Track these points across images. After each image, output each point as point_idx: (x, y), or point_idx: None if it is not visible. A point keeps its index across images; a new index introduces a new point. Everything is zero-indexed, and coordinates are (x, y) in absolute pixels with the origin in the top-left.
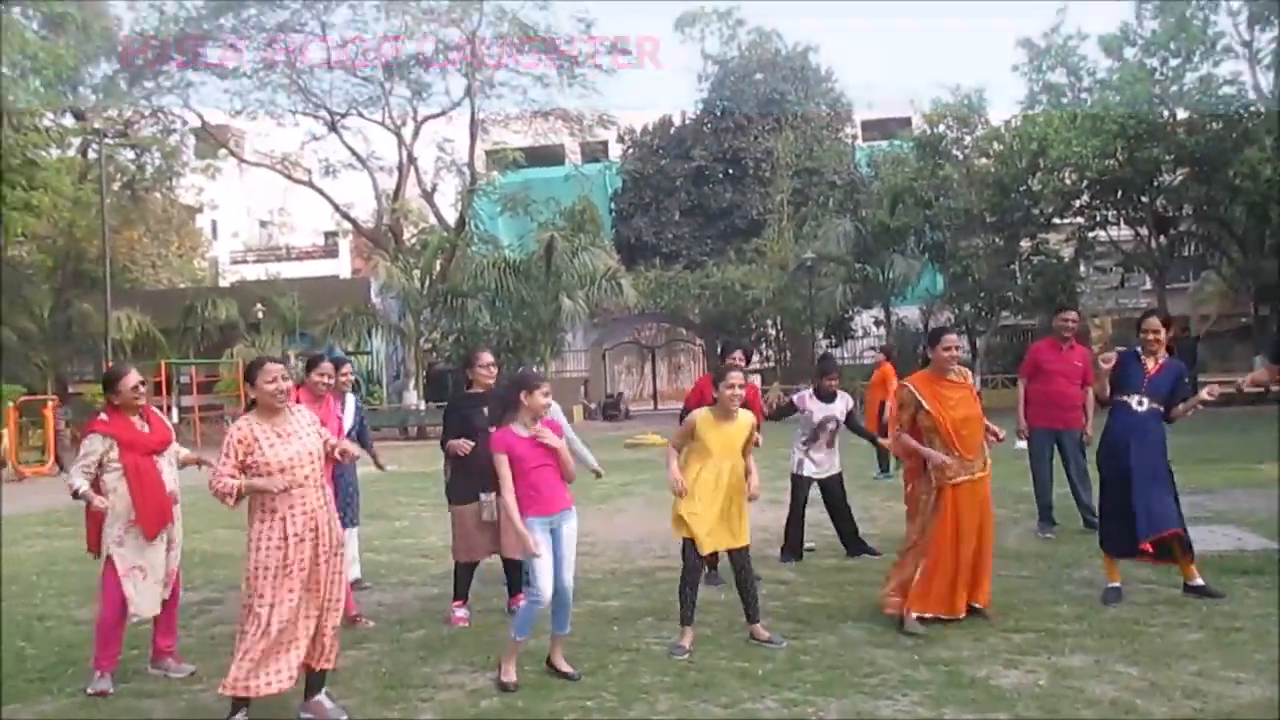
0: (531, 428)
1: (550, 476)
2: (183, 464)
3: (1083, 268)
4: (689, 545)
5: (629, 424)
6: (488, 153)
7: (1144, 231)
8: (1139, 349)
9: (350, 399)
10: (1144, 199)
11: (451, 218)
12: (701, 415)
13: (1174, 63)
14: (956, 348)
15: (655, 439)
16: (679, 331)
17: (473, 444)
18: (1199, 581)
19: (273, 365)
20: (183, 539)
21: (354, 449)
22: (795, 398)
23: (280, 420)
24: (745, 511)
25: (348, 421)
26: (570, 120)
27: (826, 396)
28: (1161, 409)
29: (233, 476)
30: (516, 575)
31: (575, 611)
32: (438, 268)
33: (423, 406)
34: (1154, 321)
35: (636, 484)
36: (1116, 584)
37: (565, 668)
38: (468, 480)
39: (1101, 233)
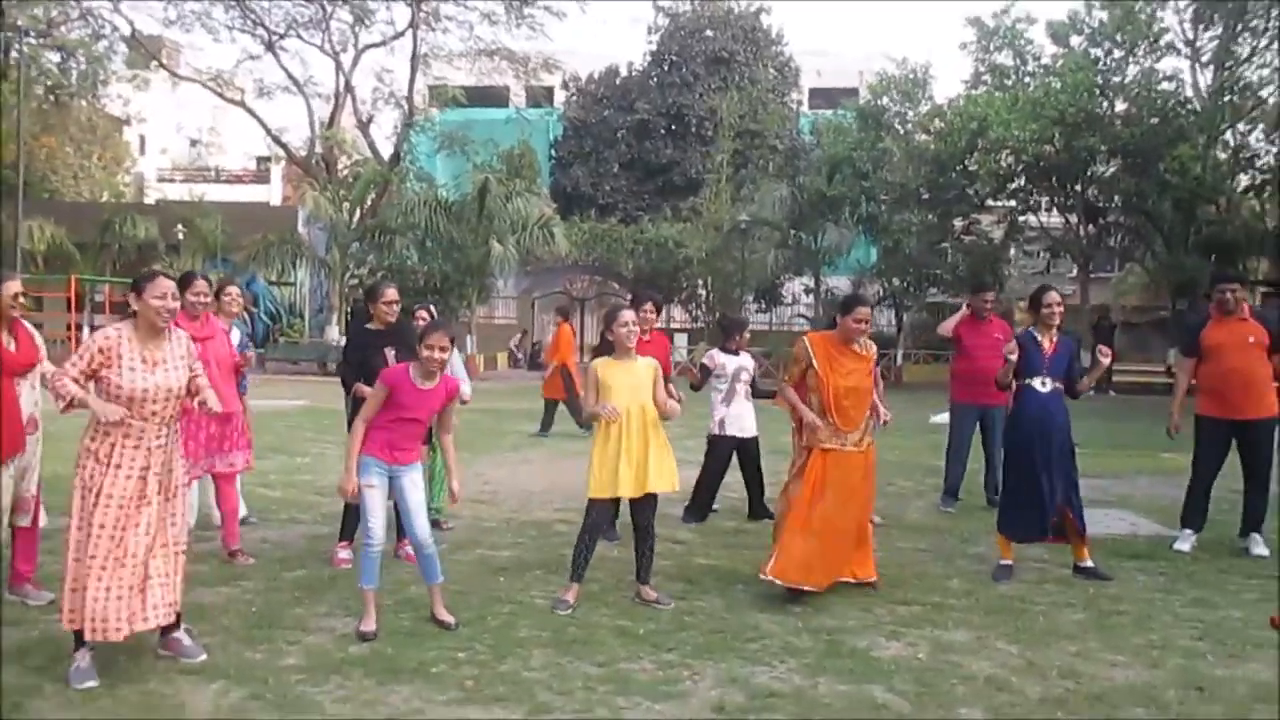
0: (429, 380)
1: (414, 433)
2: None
3: (1011, 251)
4: (596, 503)
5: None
6: (429, 88)
7: (1073, 219)
8: (1034, 329)
9: (236, 331)
10: (1076, 187)
11: (387, 151)
12: (599, 362)
13: (1118, 55)
14: (867, 321)
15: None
16: (610, 285)
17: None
18: (1089, 563)
19: (164, 280)
20: (48, 463)
21: (213, 402)
22: (705, 358)
23: (154, 345)
24: (664, 456)
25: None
26: (516, 62)
27: (732, 351)
28: (1063, 387)
29: (75, 381)
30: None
31: (463, 560)
32: (369, 201)
33: (344, 342)
34: (1054, 295)
35: (550, 436)
36: (1009, 562)
37: (444, 616)
38: None
39: (1032, 217)
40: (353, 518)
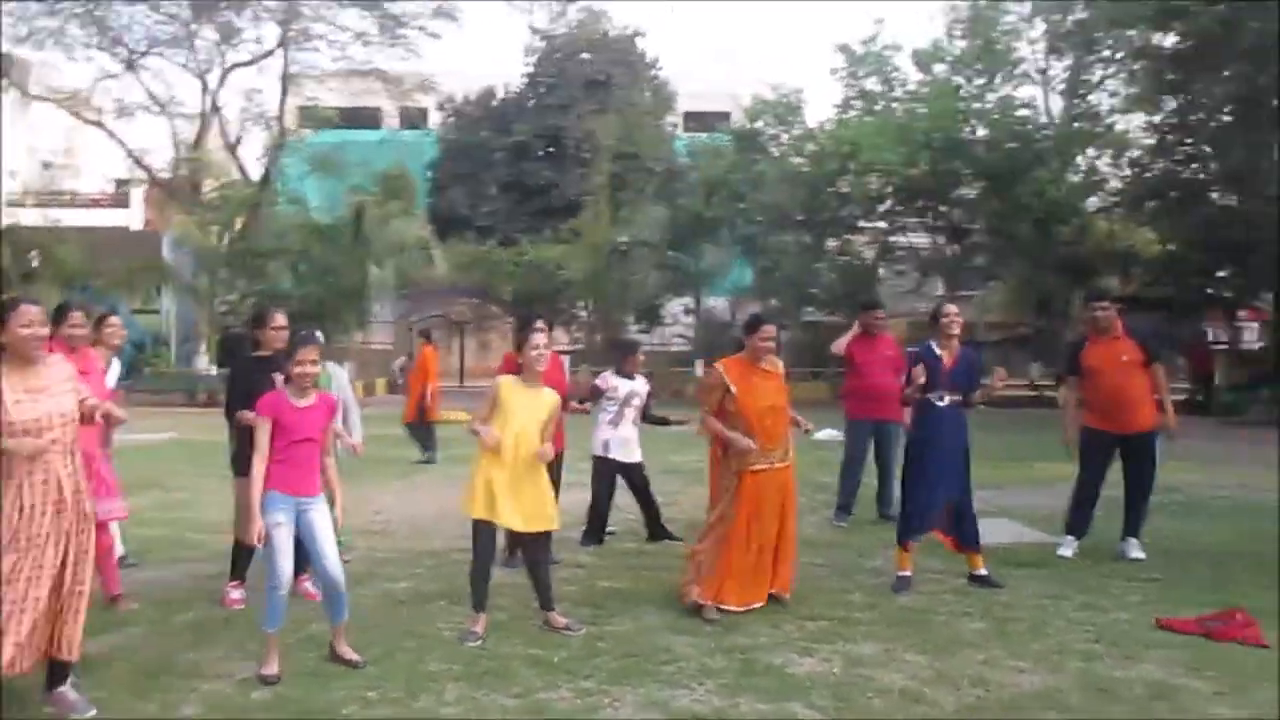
0: (304, 397)
1: (310, 455)
2: None
3: (882, 270)
4: (480, 527)
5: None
6: (299, 109)
7: (940, 239)
8: (932, 342)
9: (115, 363)
10: (943, 209)
11: (256, 173)
12: (505, 380)
13: (978, 82)
14: (773, 338)
15: (462, 415)
16: (489, 309)
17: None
18: (983, 571)
19: (29, 307)
20: None
21: (119, 413)
22: (598, 379)
23: (32, 374)
24: (547, 491)
25: (110, 383)
26: (389, 82)
27: (627, 375)
28: (961, 399)
29: None
30: (302, 553)
31: (362, 594)
32: (238, 225)
33: (214, 371)
34: (952, 307)
35: (437, 462)
36: (907, 573)
37: (349, 655)
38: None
39: (902, 238)
40: (243, 555)
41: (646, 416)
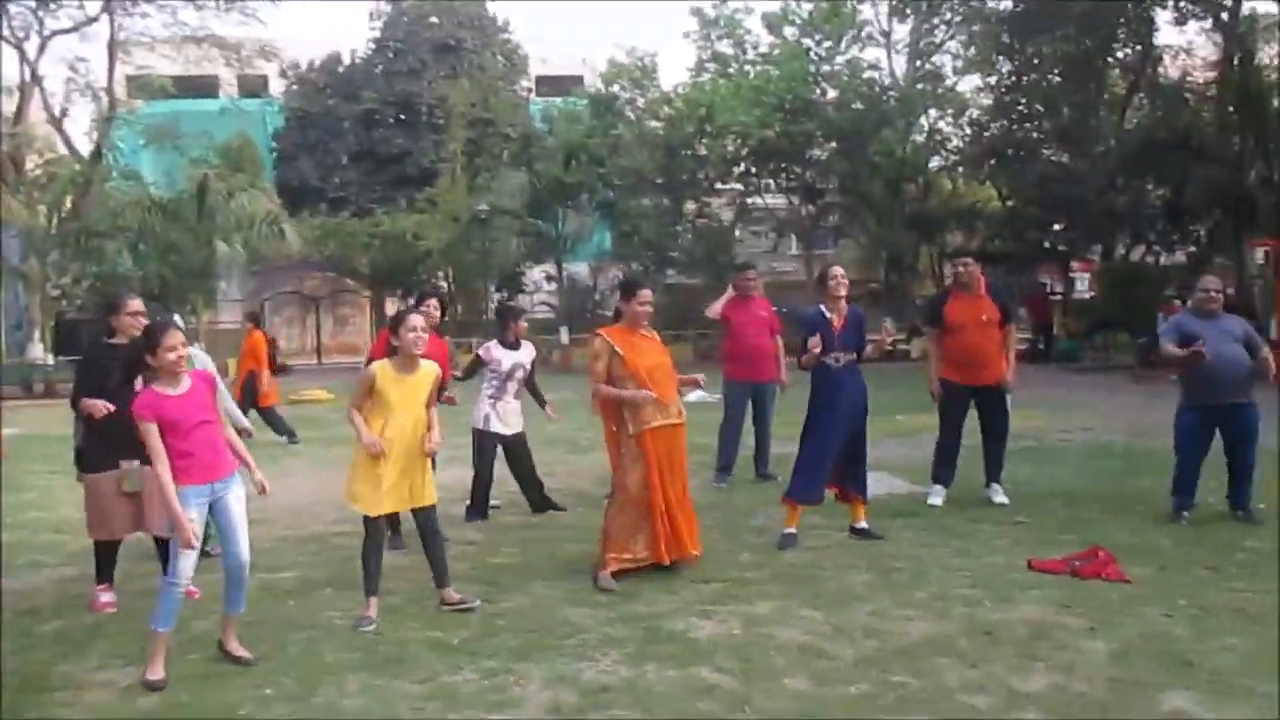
0: (179, 385)
1: (211, 436)
2: None
3: (740, 231)
4: (369, 519)
5: (291, 379)
6: (130, 78)
7: (795, 200)
8: (822, 306)
9: None
10: (797, 169)
11: (86, 148)
12: (380, 367)
13: (826, 45)
14: (650, 302)
15: (321, 394)
16: (345, 282)
17: (113, 406)
18: (864, 525)
19: None
20: None
21: None
22: (481, 351)
23: None
24: (428, 468)
25: None
26: (227, 49)
27: (511, 345)
28: (854, 358)
29: None
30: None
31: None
32: (69, 204)
33: (50, 360)
34: (838, 269)
35: (302, 443)
36: (793, 530)
37: (240, 651)
38: (105, 445)
39: (759, 199)
40: (107, 556)
41: (529, 386)
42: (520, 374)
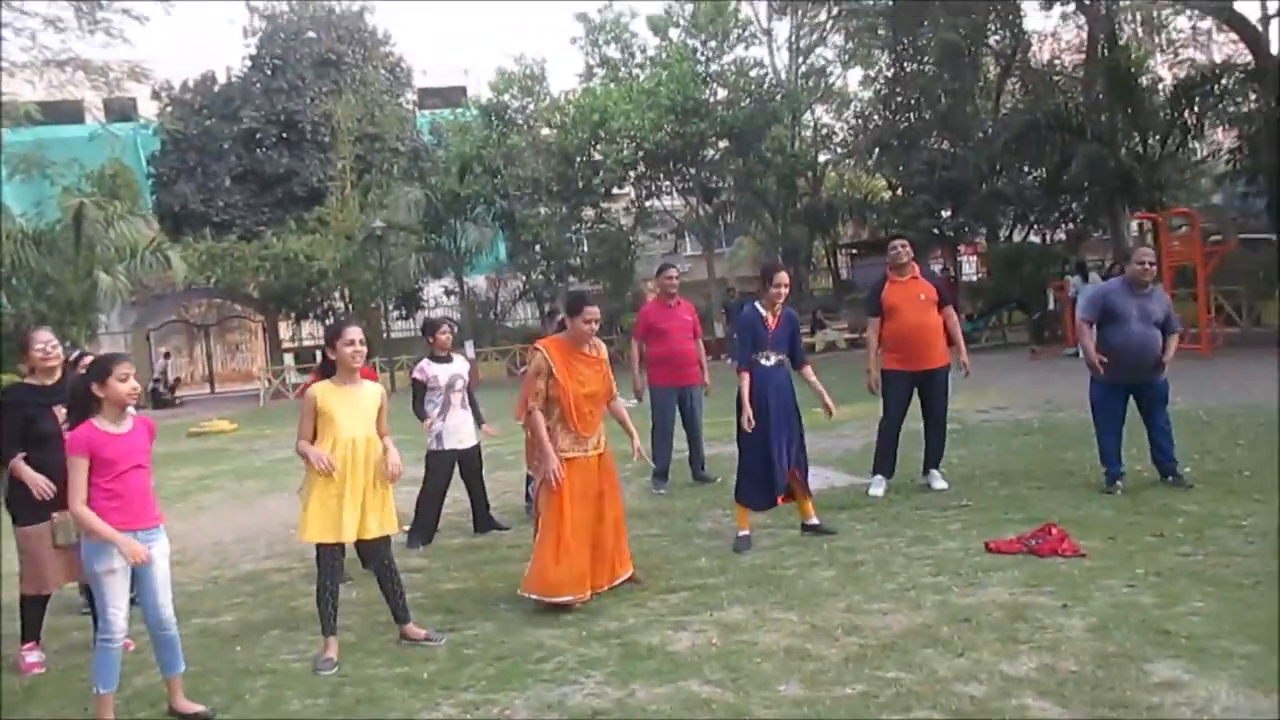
0: (122, 423)
1: (143, 482)
2: None
3: (639, 235)
4: (324, 548)
5: (184, 411)
6: None
7: (693, 200)
8: (757, 304)
9: None
10: (692, 170)
11: None
12: (319, 387)
13: (712, 45)
14: (597, 320)
15: (225, 425)
16: (233, 308)
17: (54, 489)
18: (815, 520)
19: None
20: None
21: None
22: (415, 373)
23: None
24: (389, 497)
25: None
26: (93, 72)
27: (442, 358)
28: (786, 358)
29: None
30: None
31: (184, 633)
32: None
33: None
34: (783, 275)
35: (214, 477)
36: (746, 532)
37: (192, 708)
38: (32, 496)
39: (656, 202)
40: (35, 613)
41: (470, 400)
42: (460, 384)
